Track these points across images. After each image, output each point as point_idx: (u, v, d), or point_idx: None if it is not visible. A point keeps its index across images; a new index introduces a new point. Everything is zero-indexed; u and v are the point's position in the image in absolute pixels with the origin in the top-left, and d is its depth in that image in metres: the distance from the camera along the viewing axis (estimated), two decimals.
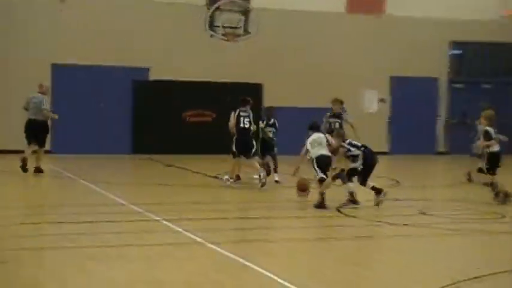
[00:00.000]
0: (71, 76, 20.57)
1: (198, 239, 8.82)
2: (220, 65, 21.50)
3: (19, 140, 19.45)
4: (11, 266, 7.29)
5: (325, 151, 12.29)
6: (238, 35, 19.77)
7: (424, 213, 11.42)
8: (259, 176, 13.92)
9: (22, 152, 15.70)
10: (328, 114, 15.58)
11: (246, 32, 19.84)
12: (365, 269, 7.73)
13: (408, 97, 22.53)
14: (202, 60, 21.44)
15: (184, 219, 10.30)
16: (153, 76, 21.28)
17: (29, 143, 15.74)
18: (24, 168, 15.35)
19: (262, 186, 13.79)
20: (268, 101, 21.61)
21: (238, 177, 14.41)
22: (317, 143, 12.35)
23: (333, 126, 15.19)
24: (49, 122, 16.34)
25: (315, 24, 22.46)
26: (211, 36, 19.62)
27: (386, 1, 23.28)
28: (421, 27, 23.32)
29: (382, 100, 23.01)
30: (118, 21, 20.94)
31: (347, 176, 12.08)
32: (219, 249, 8.30)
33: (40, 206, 11.72)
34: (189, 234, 9.14)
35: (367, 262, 8.07)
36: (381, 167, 18.43)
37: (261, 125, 15.20)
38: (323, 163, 12.13)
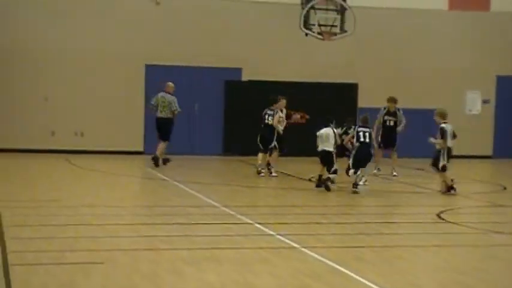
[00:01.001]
0: (164, 76, 20.71)
1: (292, 243, 8.65)
2: (314, 64, 21.17)
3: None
4: (106, 266, 7.30)
5: (327, 146, 13.59)
6: (335, 34, 19.37)
7: None
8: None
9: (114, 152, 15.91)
10: (384, 111, 16.71)
11: (342, 30, 19.42)
12: (466, 276, 7.24)
13: None
14: (296, 59, 21.18)
15: (277, 222, 10.10)
16: (246, 76, 21.20)
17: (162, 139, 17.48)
18: (156, 164, 17.02)
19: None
20: (363, 101, 21.14)
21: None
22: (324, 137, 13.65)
23: (387, 124, 16.61)
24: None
25: (414, 22, 21.78)
26: (306, 35, 19.30)
27: None
28: None
29: (485, 101, 22.04)
30: (211, 21, 20.98)
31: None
32: (313, 253, 8.11)
33: (134, 207, 11.80)
34: (282, 238, 8.97)
35: (468, 271, 7.56)
36: (486, 171, 17.82)
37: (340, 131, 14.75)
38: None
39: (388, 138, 16.67)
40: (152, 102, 17.67)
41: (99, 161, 18.47)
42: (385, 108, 16.93)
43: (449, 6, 22.05)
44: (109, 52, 20.49)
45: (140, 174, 17.02)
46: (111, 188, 13.92)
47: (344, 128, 14.97)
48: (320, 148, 13.89)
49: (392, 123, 16.76)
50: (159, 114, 17.47)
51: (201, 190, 13.27)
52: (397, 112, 16.83)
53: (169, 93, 17.66)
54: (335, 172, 13.70)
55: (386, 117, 16.77)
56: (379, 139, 16.64)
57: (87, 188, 13.67)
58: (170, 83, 17.89)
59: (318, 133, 13.94)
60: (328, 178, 13.66)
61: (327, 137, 13.83)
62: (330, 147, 13.73)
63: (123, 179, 15.57)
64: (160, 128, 17.49)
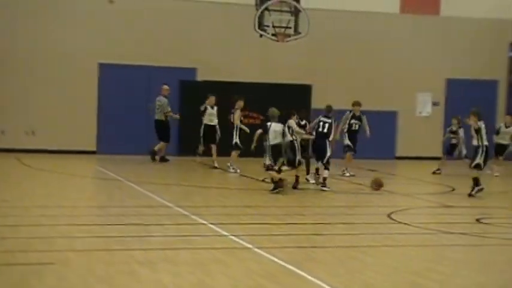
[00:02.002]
0: (117, 76, 20.62)
1: (245, 244, 8.69)
2: (269, 65, 21.30)
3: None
4: (58, 267, 7.24)
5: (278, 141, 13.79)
6: (289, 35, 19.50)
7: (480, 222, 11.00)
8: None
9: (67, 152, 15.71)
10: (350, 115, 17.12)
11: (296, 32, 19.56)
12: (419, 277, 7.39)
13: (465, 100, 21.86)
14: (251, 60, 21.28)
15: (231, 223, 10.15)
16: (201, 76, 21.19)
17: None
18: (153, 158, 18.62)
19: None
20: (317, 102, 21.32)
21: None
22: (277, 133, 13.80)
23: (353, 128, 17.09)
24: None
25: (367, 24, 22.09)
26: (261, 36, 19.39)
27: (441, 1, 22.72)
28: (478, 28, 22.71)
29: (435, 103, 22.47)
30: (166, 20, 20.93)
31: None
32: (266, 254, 8.16)
33: (87, 207, 11.70)
34: (236, 238, 9.01)
35: (420, 271, 7.72)
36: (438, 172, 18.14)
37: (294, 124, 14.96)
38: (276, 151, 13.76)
39: (354, 142, 17.01)
40: (149, 105, 19.14)
41: (51, 161, 18.24)
42: (350, 112, 17.19)
43: (400, 10, 22.43)
44: (62, 51, 20.26)
45: (93, 174, 16.87)
46: (64, 188, 13.77)
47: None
48: (272, 143, 13.92)
49: (357, 127, 17.15)
50: (155, 117, 18.97)
51: (155, 190, 13.23)
52: (361, 116, 17.26)
53: (164, 96, 18.91)
54: (297, 164, 13.98)
55: (352, 121, 17.12)
56: (349, 143, 16.91)
57: (39, 188, 13.49)
58: (165, 86, 19.08)
59: (270, 129, 14.03)
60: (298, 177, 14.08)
61: (278, 133, 13.97)
62: (279, 141, 13.91)
63: (75, 179, 15.41)
64: (156, 129, 18.95)
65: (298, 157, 13.98)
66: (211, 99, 17.89)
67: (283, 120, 14.20)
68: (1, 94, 19.94)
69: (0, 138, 19.90)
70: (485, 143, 13.90)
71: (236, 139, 17.02)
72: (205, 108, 17.86)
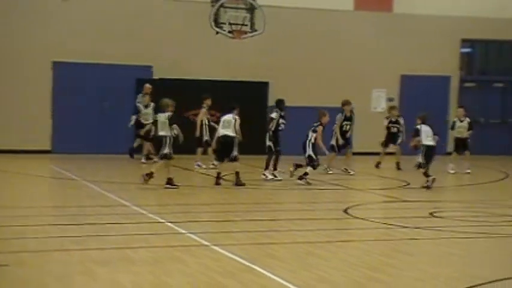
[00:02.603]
0: (72, 74, 20.39)
1: (203, 241, 8.71)
2: (225, 63, 21.30)
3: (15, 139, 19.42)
4: (13, 269, 7.16)
5: (228, 131, 14.02)
6: (245, 33, 19.52)
7: (434, 216, 11.21)
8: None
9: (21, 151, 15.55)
10: (343, 116, 17.20)
11: (253, 29, 19.60)
12: (375, 272, 7.51)
13: (418, 96, 22.21)
14: (207, 58, 21.25)
15: (188, 221, 10.16)
16: (157, 74, 21.08)
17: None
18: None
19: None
20: (273, 100, 21.37)
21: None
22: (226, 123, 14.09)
23: (344, 129, 17.33)
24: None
25: (322, 21, 22.24)
26: (217, 33, 19.38)
27: None
28: (431, 25, 23.05)
29: (390, 99, 22.77)
30: (121, 17, 20.76)
31: None
32: (224, 251, 8.19)
33: (43, 208, 11.56)
34: (193, 236, 9.03)
35: (377, 265, 7.84)
36: (392, 167, 18.39)
37: (276, 116, 15.15)
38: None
39: (345, 142, 17.35)
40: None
41: (5, 161, 17.95)
42: (342, 113, 17.36)
43: (354, 7, 22.66)
44: (15, 49, 19.95)
45: (48, 173, 16.67)
46: (18, 188, 13.58)
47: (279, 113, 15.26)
48: (221, 133, 14.21)
49: (347, 127, 17.39)
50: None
51: (111, 190, 13.14)
52: (352, 116, 17.57)
53: (146, 94, 18.75)
54: (235, 159, 14.04)
55: (344, 122, 17.34)
56: (335, 143, 16.96)
57: None
58: (147, 85, 19.02)
59: (221, 118, 14.43)
60: (237, 173, 14.00)
61: (229, 122, 14.16)
62: (231, 132, 14.07)
63: (31, 179, 15.21)
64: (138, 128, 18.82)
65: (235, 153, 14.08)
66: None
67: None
68: None
69: None
70: (426, 143, 14.75)
71: (207, 136, 17.05)
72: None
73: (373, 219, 10.81)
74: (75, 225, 9.68)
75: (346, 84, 22.27)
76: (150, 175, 13.44)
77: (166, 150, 13.50)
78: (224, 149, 14.20)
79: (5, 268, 7.20)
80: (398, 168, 18.15)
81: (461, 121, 18.31)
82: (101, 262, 7.55)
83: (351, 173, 16.90)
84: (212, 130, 16.92)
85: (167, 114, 13.54)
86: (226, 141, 14.15)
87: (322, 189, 14.45)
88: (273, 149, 15.13)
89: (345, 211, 11.38)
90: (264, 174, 15.24)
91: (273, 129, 15.13)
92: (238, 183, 13.96)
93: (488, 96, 24.23)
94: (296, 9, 21.89)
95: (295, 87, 21.41)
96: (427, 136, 14.77)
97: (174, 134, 13.46)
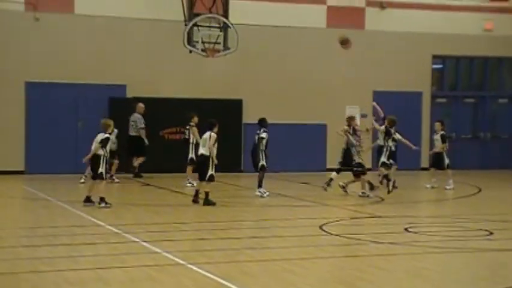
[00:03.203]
0: (45, 94, 20.25)
1: (178, 260, 8.67)
2: (199, 81, 21.31)
3: None
4: None
5: (204, 150, 13.83)
6: (218, 51, 19.58)
7: (409, 231, 11.26)
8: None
9: None
10: (351, 131, 16.46)
11: (226, 47, 19.67)
12: (350, 287, 7.53)
13: (391, 112, 22.28)
14: (180, 76, 21.24)
15: (163, 240, 10.10)
16: (130, 93, 21.01)
17: (132, 156, 19.33)
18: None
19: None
20: (248, 117, 21.44)
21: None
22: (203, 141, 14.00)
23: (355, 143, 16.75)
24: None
25: (295, 39, 22.36)
26: (190, 52, 19.40)
27: (365, 16, 23.27)
28: (403, 41, 23.31)
29: (363, 116, 22.90)
30: (94, 37, 20.69)
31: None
32: (199, 270, 8.16)
33: (14, 229, 11.40)
34: (168, 255, 8.97)
35: (351, 281, 7.85)
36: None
37: (266, 136, 15.49)
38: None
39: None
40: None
41: None
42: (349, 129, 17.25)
43: (327, 24, 22.85)
44: None
45: (21, 194, 16.50)
46: None
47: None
48: (199, 152, 14.13)
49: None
50: (130, 133, 19.26)
51: (85, 209, 13.03)
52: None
53: (139, 113, 19.28)
54: (211, 179, 13.81)
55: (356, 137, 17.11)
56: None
57: None
58: (140, 104, 19.44)
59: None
60: (207, 194, 13.81)
61: (205, 140, 14.02)
62: (206, 152, 13.88)
63: (2, 199, 15.02)
64: (131, 145, 19.23)
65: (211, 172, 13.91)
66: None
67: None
68: None
69: None
70: (391, 144, 15.58)
71: (192, 154, 16.71)
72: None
73: (348, 236, 10.83)
74: (48, 245, 9.56)
75: (319, 101, 22.39)
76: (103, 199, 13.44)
77: (101, 170, 13.52)
78: (200, 169, 14.10)
79: None
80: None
81: (436, 134, 18.44)
82: (74, 283, 7.47)
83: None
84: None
85: (106, 135, 13.69)
86: (201, 160, 14.06)
87: (297, 206, 14.46)
88: (266, 167, 15.21)
89: (320, 227, 11.39)
90: (260, 192, 15.28)
91: (264, 148, 15.26)
92: (208, 203, 13.81)
93: (459, 112, 24.51)
94: (269, 27, 21.99)
95: (269, 104, 21.47)
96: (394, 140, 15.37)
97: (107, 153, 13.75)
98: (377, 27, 23.19)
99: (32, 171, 20.00)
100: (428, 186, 18.01)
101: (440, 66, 24.53)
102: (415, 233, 11.22)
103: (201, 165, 14.07)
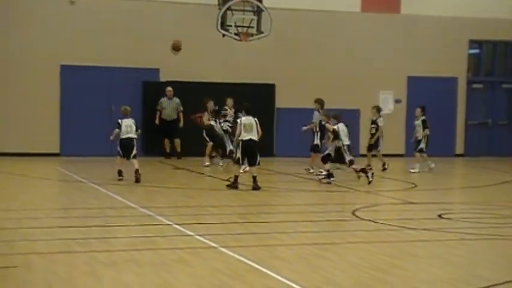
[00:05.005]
0: (80, 77, 20.45)
1: (210, 243, 8.70)
2: (232, 65, 21.30)
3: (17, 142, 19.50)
4: (21, 270, 7.17)
5: (254, 136, 13.72)
6: (251, 35, 19.55)
7: (443, 217, 11.16)
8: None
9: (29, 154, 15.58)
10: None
11: (259, 31, 19.61)
12: (382, 273, 7.48)
13: (426, 98, 22.09)
14: (213, 60, 21.26)
15: (195, 223, 10.15)
16: (163, 77, 21.11)
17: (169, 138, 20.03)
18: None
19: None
20: (280, 102, 21.41)
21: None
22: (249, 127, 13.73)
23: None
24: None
25: (329, 23, 22.22)
26: (223, 35, 19.39)
27: (401, 0, 22.96)
28: (438, 26, 22.99)
29: (397, 101, 22.70)
30: (128, 21, 20.80)
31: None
32: (231, 253, 8.18)
33: (50, 210, 11.58)
34: (200, 238, 9.01)
35: (384, 267, 7.81)
36: (399, 169, 18.38)
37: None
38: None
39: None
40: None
41: (14, 164, 18.01)
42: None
43: (361, 9, 22.62)
44: (23, 53, 20.03)
45: (56, 176, 16.72)
46: (27, 190, 13.61)
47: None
48: (246, 137, 13.82)
49: (374, 130, 18.05)
50: (165, 116, 20.11)
51: (119, 192, 13.16)
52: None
53: (168, 98, 20.02)
54: (259, 164, 14.08)
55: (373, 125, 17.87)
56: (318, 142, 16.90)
57: (1, 191, 13.33)
58: (168, 88, 20.02)
59: (240, 120, 13.97)
60: (255, 178, 13.86)
61: (251, 126, 13.88)
62: (255, 137, 13.86)
63: (38, 181, 15.25)
64: (170, 129, 20.00)
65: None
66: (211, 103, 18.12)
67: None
68: None
69: None
70: (346, 142, 15.16)
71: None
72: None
73: (380, 221, 10.77)
74: (82, 227, 9.69)
75: (352, 86, 22.24)
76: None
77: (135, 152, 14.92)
78: (252, 153, 13.87)
79: (13, 269, 7.22)
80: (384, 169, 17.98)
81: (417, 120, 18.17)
82: (106, 264, 7.55)
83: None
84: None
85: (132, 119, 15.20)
86: (252, 145, 13.82)
87: (329, 191, 14.42)
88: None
89: (353, 213, 11.35)
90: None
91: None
92: (256, 187, 13.86)
93: (496, 98, 24.14)
94: (302, 11, 21.87)
95: (301, 89, 21.40)
96: (345, 135, 15.12)
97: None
98: (413, 11, 22.89)
99: (66, 153, 20.25)
100: (413, 171, 17.73)
101: (476, 51, 24.14)
102: (449, 219, 11.12)
103: (251, 150, 13.91)
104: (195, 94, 20.29)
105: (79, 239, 8.83)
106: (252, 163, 14.00)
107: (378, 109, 18.11)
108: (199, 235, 9.16)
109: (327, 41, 22.21)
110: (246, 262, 7.76)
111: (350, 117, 22.22)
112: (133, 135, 14.97)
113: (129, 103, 20.52)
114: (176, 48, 17.34)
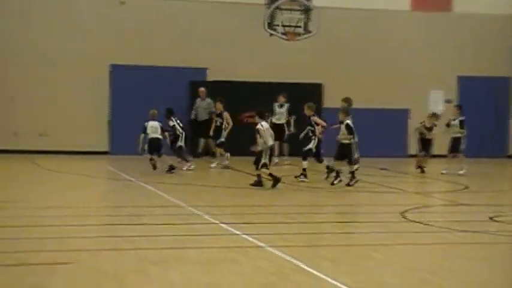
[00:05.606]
0: (128, 77, 20.67)
1: (257, 243, 8.66)
2: (279, 64, 21.26)
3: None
4: (70, 267, 7.26)
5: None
6: (299, 34, 19.48)
7: (494, 220, 10.92)
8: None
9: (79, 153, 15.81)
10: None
11: (307, 31, 19.53)
12: (431, 275, 7.34)
13: (476, 97, 21.73)
14: (260, 60, 21.25)
15: (242, 222, 10.13)
16: (211, 76, 21.18)
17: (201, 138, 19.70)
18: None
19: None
20: (328, 101, 21.27)
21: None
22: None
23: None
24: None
25: (378, 22, 22.01)
26: (271, 35, 19.37)
27: None
28: (491, 24, 22.56)
29: (448, 101, 22.35)
30: (176, 21, 20.97)
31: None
32: (278, 253, 8.12)
33: (99, 208, 11.72)
34: (247, 237, 8.99)
35: (435, 269, 7.66)
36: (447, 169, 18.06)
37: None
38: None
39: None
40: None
41: (64, 162, 18.31)
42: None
43: (412, 7, 22.32)
44: (74, 52, 20.35)
45: (105, 174, 16.92)
46: (76, 188, 13.80)
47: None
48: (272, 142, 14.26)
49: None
50: (198, 118, 19.79)
51: (166, 190, 13.24)
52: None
53: (202, 99, 19.69)
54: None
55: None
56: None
57: (52, 189, 13.55)
58: (201, 88, 19.65)
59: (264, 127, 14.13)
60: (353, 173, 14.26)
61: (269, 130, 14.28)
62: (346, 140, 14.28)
63: (87, 179, 15.46)
64: (203, 128, 19.44)
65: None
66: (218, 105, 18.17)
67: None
68: (14, 96, 20.02)
69: (14, 140, 20.00)
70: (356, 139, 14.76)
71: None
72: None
73: (430, 223, 10.59)
74: (130, 225, 9.76)
75: (401, 85, 21.98)
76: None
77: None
78: (347, 152, 14.33)
79: (62, 266, 7.30)
80: (422, 172, 17.54)
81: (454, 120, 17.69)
82: (154, 262, 7.58)
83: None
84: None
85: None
86: (343, 146, 14.28)
87: (377, 192, 14.26)
88: None
89: (401, 214, 11.19)
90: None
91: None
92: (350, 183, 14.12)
93: None
94: (351, 10, 21.71)
95: (349, 88, 21.18)
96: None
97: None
98: (465, 9, 22.48)
99: (115, 152, 20.49)
100: (461, 172, 17.27)
101: None
102: (501, 222, 10.87)
103: (345, 150, 14.19)
104: (242, 93, 20.31)
105: (127, 236, 8.89)
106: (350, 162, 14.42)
107: (436, 116, 17.80)
108: (246, 234, 9.13)
109: (375, 40, 21.99)
110: (293, 262, 7.70)
111: (398, 117, 22.05)
112: (158, 135, 16.24)
113: (176, 102, 20.81)
114: None
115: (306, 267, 7.46)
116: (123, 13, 20.63)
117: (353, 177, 14.28)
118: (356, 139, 14.64)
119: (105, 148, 20.63)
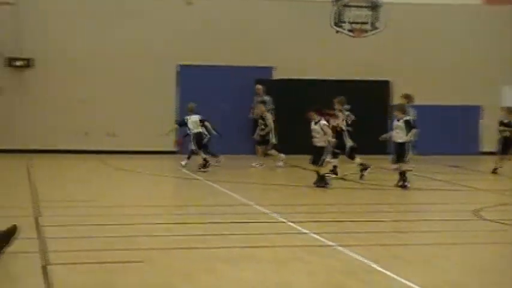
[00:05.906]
0: (196, 76, 20.85)
1: (326, 241, 8.61)
2: (345, 62, 21.07)
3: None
4: (142, 265, 7.36)
5: None
6: (366, 31, 19.30)
7: None
8: None
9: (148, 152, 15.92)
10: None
11: (374, 27, 19.33)
12: (505, 277, 7.14)
13: None
14: (327, 57, 21.09)
15: (311, 221, 10.09)
16: (277, 75, 21.18)
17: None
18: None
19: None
20: (397, 98, 20.94)
21: None
22: None
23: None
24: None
25: (448, 17, 21.53)
26: (337, 32, 19.25)
27: None
28: None
29: None
30: (242, 20, 21.02)
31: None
32: (348, 251, 8.06)
33: (168, 207, 11.87)
34: (316, 236, 8.94)
35: (508, 270, 7.45)
36: None
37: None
38: None
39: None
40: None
41: (133, 161, 18.61)
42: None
43: (483, 1, 21.74)
44: (142, 53, 20.65)
45: (173, 173, 17.10)
46: (146, 187, 14.03)
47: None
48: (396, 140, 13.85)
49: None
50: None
51: (233, 189, 13.30)
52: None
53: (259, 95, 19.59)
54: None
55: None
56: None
57: (121, 188, 13.80)
58: (258, 86, 19.52)
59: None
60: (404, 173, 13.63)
61: (402, 127, 13.77)
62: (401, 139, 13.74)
63: (157, 178, 15.68)
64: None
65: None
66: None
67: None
68: (87, 98, 20.45)
69: (84, 139, 20.45)
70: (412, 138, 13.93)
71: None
72: None
73: (503, 221, 10.31)
74: (199, 223, 9.84)
75: (472, 82, 21.47)
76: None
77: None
78: (402, 152, 13.63)
79: (134, 264, 7.42)
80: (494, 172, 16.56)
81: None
82: (225, 260, 7.62)
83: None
84: None
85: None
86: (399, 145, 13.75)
87: (447, 190, 13.99)
88: None
89: (474, 213, 10.93)
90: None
91: None
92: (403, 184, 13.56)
93: None
94: (421, 5, 21.31)
95: (418, 85, 20.83)
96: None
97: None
98: None
99: (184, 151, 20.68)
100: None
101: None
102: None
103: (399, 149, 13.69)
104: (309, 91, 20.22)
105: (197, 235, 8.97)
106: (401, 160, 13.73)
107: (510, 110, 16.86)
108: (315, 233, 9.09)
109: (444, 35, 21.53)
110: (363, 261, 7.62)
111: (470, 114, 21.54)
112: (200, 130, 16.51)
113: (241, 101, 20.92)
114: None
115: (376, 267, 7.38)
116: (190, 13, 20.82)
117: (404, 177, 13.53)
118: (413, 137, 13.75)
119: (173, 147, 20.87)
